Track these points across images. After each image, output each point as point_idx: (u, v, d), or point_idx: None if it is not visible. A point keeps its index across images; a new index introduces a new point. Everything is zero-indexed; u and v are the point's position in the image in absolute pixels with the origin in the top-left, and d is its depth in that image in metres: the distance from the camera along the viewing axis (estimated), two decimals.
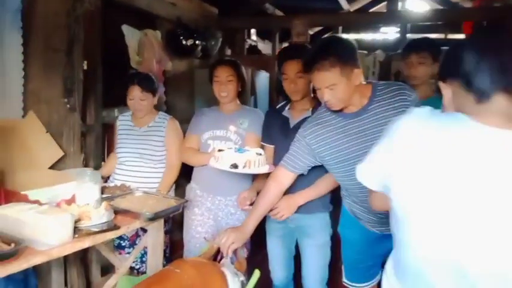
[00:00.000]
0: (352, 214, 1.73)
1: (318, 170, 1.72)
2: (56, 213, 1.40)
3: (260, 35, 4.79)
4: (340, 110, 1.51)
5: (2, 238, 1.26)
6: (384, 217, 1.60)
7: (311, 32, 4.30)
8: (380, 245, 1.70)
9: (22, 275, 2.05)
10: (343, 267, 1.83)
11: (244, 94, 2.19)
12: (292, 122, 1.85)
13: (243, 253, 1.83)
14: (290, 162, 1.66)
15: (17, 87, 1.94)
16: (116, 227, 1.53)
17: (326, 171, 1.73)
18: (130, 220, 1.62)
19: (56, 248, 1.32)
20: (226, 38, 3.87)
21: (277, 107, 1.97)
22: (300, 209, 1.80)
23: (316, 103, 1.84)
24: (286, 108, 1.91)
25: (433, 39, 1.82)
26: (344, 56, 1.39)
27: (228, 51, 4.01)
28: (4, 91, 1.89)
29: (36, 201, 1.57)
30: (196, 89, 3.57)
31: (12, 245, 1.22)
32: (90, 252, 2.40)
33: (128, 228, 1.61)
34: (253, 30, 4.58)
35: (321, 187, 1.80)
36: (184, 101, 3.48)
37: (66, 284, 2.19)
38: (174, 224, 2.66)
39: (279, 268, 1.99)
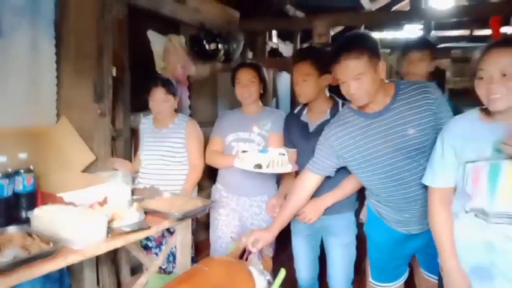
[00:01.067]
0: (377, 214, 1.72)
1: (344, 171, 1.73)
2: (91, 214, 1.46)
3: (281, 36, 4.80)
4: (363, 109, 1.51)
5: (40, 238, 1.33)
6: (410, 217, 1.60)
7: (333, 33, 4.28)
8: (406, 245, 1.69)
9: (58, 274, 2.15)
10: (368, 267, 1.82)
11: (266, 96, 2.22)
12: (312, 127, 1.87)
13: (269, 252, 1.85)
14: (315, 165, 1.68)
15: (50, 93, 2.04)
16: (147, 227, 1.58)
17: (350, 172, 1.73)
18: (160, 220, 1.66)
19: (90, 248, 1.38)
20: (248, 41, 3.91)
21: (295, 111, 1.98)
22: (326, 210, 1.82)
23: (333, 104, 1.85)
24: (304, 112, 1.93)
25: (432, 38, 1.91)
26: (370, 46, 1.41)
27: (250, 54, 4.05)
28: (39, 98, 1.99)
29: (71, 203, 1.65)
30: (219, 93, 3.62)
31: (51, 244, 1.29)
32: (120, 252, 2.47)
33: (158, 228, 1.66)
34: (274, 32, 4.60)
35: (347, 188, 1.80)
36: (207, 104, 3.54)
37: (98, 283, 2.26)
38: (198, 225, 2.72)
39: (304, 268, 2.00)
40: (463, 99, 1.62)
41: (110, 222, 1.51)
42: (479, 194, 1.26)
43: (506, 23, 3.54)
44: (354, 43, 1.41)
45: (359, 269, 2.04)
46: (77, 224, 1.38)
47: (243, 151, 1.78)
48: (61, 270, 2.17)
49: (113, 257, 2.39)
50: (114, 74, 2.26)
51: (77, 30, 2.13)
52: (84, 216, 1.43)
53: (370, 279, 1.80)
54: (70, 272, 2.21)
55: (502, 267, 1.23)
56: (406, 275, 1.78)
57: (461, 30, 4.87)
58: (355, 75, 1.40)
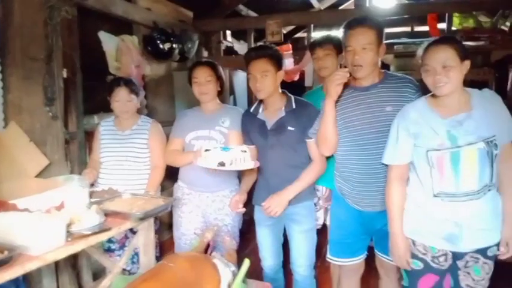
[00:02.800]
0: (340, 193, 1.87)
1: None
2: (47, 219, 1.43)
3: (235, 36, 4.85)
4: (354, 84, 1.76)
5: None
6: (367, 194, 1.76)
7: (284, 31, 4.39)
8: (363, 224, 1.83)
9: (14, 285, 2.06)
10: (328, 247, 1.93)
11: (224, 94, 2.26)
12: (269, 125, 1.94)
13: (233, 245, 1.90)
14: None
15: None
16: (107, 228, 1.57)
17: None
18: (121, 221, 1.64)
19: (50, 253, 1.35)
20: (203, 40, 3.92)
21: (251, 110, 2.03)
22: (292, 200, 1.91)
23: (287, 100, 1.94)
24: (260, 110, 1.99)
25: (334, 36, 2.14)
26: (379, 27, 1.68)
27: (205, 53, 4.06)
28: None
29: (25, 209, 1.59)
30: (176, 92, 3.61)
31: (6, 252, 1.25)
32: (81, 257, 2.41)
33: (119, 228, 1.64)
34: (228, 32, 4.64)
35: (306, 179, 1.91)
36: (164, 103, 3.51)
37: None
38: (162, 225, 2.70)
39: (269, 256, 2.08)
40: None
41: (68, 226, 1.49)
42: (445, 179, 1.48)
43: (442, 20, 3.83)
44: (368, 19, 1.71)
45: (320, 254, 2.14)
46: (33, 229, 1.34)
47: (206, 150, 1.82)
48: (17, 282, 2.08)
49: (73, 262, 2.33)
50: (65, 75, 2.20)
51: (23, 32, 2.04)
52: (40, 221, 1.40)
53: (328, 255, 1.92)
54: (27, 282, 2.13)
55: (467, 233, 1.50)
56: (362, 256, 1.90)
57: (403, 27, 5.17)
58: (364, 43, 1.63)
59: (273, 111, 1.94)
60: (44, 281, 2.09)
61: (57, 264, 2.19)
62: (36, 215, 1.47)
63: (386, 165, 1.67)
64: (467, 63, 1.47)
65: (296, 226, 1.97)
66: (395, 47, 3.57)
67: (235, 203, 2.00)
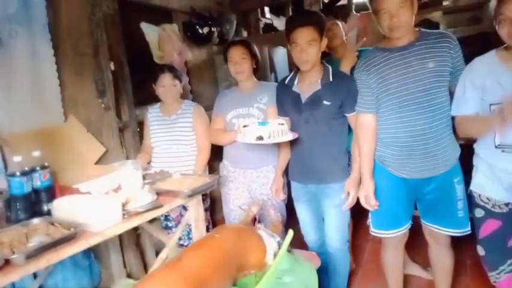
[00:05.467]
0: (380, 164, 1.81)
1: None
2: (106, 199, 1.57)
3: (274, 11, 4.78)
4: (389, 45, 1.69)
5: (62, 225, 1.44)
6: (412, 159, 1.70)
7: (326, 0, 4.24)
8: (408, 192, 1.77)
9: (87, 262, 2.30)
10: (369, 221, 1.89)
11: (260, 71, 2.26)
12: (304, 98, 1.89)
13: (278, 217, 1.94)
14: (365, 105, 1.78)
15: (55, 94, 2.14)
16: (159, 205, 1.68)
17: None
18: (172, 199, 1.76)
19: (109, 229, 1.49)
20: (241, 20, 3.92)
21: (286, 81, 1.98)
22: (323, 178, 1.91)
23: (324, 72, 1.87)
24: (295, 82, 1.93)
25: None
26: None
27: (245, 33, 4.06)
28: (45, 100, 2.10)
29: (87, 193, 1.76)
30: (218, 75, 3.68)
31: (72, 229, 1.40)
32: (143, 236, 2.61)
33: (170, 205, 1.76)
34: (267, 9, 4.58)
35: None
36: (208, 87, 3.60)
37: (125, 266, 2.41)
38: (215, 204, 2.82)
39: (310, 230, 2.09)
40: (460, 48, 1.69)
41: (124, 204, 1.62)
42: (506, 132, 1.46)
43: None
44: None
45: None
46: (93, 208, 1.49)
47: (244, 126, 1.86)
48: (89, 258, 2.33)
49: (136, 241, 2.53)
50: (112, 68, 2.34)
51: (71, 30, 2.20)
52: (99, 201, 1.55)
53: (371, 229, 1.88)
54: (98, 259, 2.37)
55: None
56: (408, 225, 1.85)
57: None
58: (400, 3, 1.55)
59: (309, 83, 1.89)
60: (112, 258, 2.31)
61: (122, 243, 2.39)
62: (96, 197, 1.63)
63: (434, 127, 1.63)
64: None
65: (328, 201, 1.95)
66: (443, 2, 3.30)
67: (276, 192, 2.05)
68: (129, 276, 2.41)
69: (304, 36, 1.76)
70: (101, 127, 2.29)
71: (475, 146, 1.68)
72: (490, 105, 1.51)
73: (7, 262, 1.19)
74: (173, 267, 1.24)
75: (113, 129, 2.34)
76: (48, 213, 1.56)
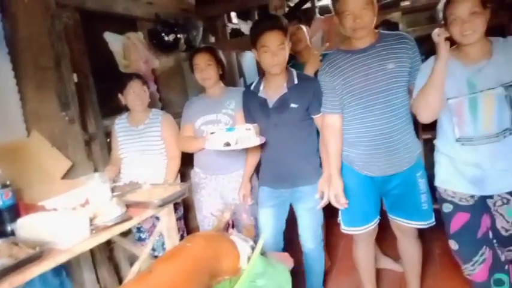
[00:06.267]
0: (347, 163, 1.86)
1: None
2: (72, 214, 1.54)
3: (240, 16, 4.81)
4: (350, 47, 1.74)
5: (27, 245, 1.39)
6: (376, 156, 1.75)
7: (291, 4, 4.30)
8: (374, 189, 1.84)
9: (58, 281, 2.22)
10: (340, 219, 1.94)
11: (228, 76, 2.29)
12: (271, 102, 1.92)
13: (251, 221, 1.95)
14: (330, 106, 1.81)
15: (16, 109, 2.08)
16: (128, 218, 1.66)
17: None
18: (142, 210, 1.74)
19: (77, 245, 1.46)
20: (208, 26, 3.92)
21: (252, 87, 2.00)
22: (296, 182, 1.93)
23: (289, 76, 1.90)
24: (261, 88, 1.96)
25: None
26: None
27: (212, 39, 4.07)
28: (5, 115, 2.03)
29: (53, 209, 1.71)
30: (188, 81, 3.65)
31: (37, 248, 1.36)
32: (117, 250, 2.56)
33: (140, 217, 1.74)
34: (233, 14, 4.61)
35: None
36: (177, 95, 3.57)
37: (98, 282, 2.35)
38: (189, 212, 2.80)
39: (269, 237, 1.97)
40: (419, 47, 1.76)
41: (92, 219, 1.59)
42: (465, 124, 1.55)
43: None
44: None
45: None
46: (59, 225, 1.45)
47: (211, 132, 1.86)
48: (60, 277, 2.25)
49: (109, 255, 2.48)
50: (75, 80, 2.29)
51: (30, 43, 2.14)
52: (65, 217, 1.51)
53: (342, 227, 1.93)
54: (70, 276, 2.30)
55: (491, 174, 1.59)
56: (376, 220, 1.90)
57: None
58: (363, 4, 1.60)
59: (275, 87, 1.91)
60: (84, 275, 2.25)
61: (94, 258, 2.34)
62: (62, 213, 1.59)
63: (396, 126, 1.70)
64: (488, 10, 1.48)
65: (301, 204, 1.98)
66: (402, 3, 3.42)
67: (244, 197, 2.06)
68: None
69: (275, 39, 1.79)
70: (66, 140, 2.24)
71: (435, 141, 1.75)
72: (448, 99, 1.59)
73: None
74: (143, 280, 1.23)
75: (79, 142, 2.29)
76: (12, 233, 1.52)
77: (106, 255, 2.42)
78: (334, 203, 1.85)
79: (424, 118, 1.63)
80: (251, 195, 2.08)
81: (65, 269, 2.26)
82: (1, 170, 1.66)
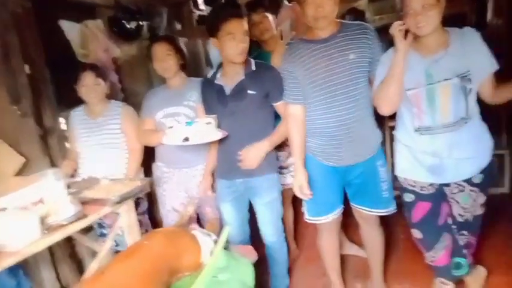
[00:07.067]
0: (311, 154, 1.85)
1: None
2: (20, 214, 1.46)
3: (208, 2, 4.69)
4: (311, 37, 1.72)
5: None
6: (338, 147, 1.76)
7: None
8: (337, 178, 1.85)
9: (14, 281, 2.13)
10: (304, 209, 1.95)
11: (192, 66, 2.22)
12: (228, 89, 1.88)
13: (215, 214, 1.93)
14: (292, 96, 1.79)
15: None
16: (84, 216, 1.60)
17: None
18: (99, 208, 1.68)
19: (27, 247, 1.39)
20: (173, 13, 3.79)
21: (210, 76, 1.97)
22: (250, 172, 1.89)
23: (247, 64, 1.87)
24: (218, 75, 1.92)
25: None
26: None
27: (178, 26, 3.94)
28: None
29: (3, 209, 1.62)
30: (152, 71, 3.52)
31: None
32: (80, 247, 2.48)
33: (98, 214, 1.68)
34: (200, 0, 4.48)
35: (281, 131, 1.88)
36: (142, 84, 3.45)
37: (60, 281, 2.28)
38: (154, 205, 2.74)
39: (234, 231, 1.98)
40: (384, 35, 1.75)
41: (45, 219, 1.52)
42: (423, 114, 1.58)
43: None
44: None
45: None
46: (7, 226, 1.38)
47: (170, 127, 1.81)
48: (17, 277, 2.16)
49: (71, 252, 2.40)
50: (28, 71, 2.16)
51: None
52: (14, 217, 1.43)
53: (306, 217, 1.94)
54: (28, 276, 2.21)
55: (448, 163, 1.63)
56: (340, 209, 1.92)
57: None
58: None
59: (233, 75, 1.87)
60: (43, 274, 2.17)
61: (53, 256, 2.25)
62: (10, 213, 1.51)
63: (358, 116, 1.70)
64: (443, 1, 1.49)
65: (258, 199, 1.96)
66: None
67: (203, 191, 2.03)
68: None
69: (242, 27, 1.77)
70: (19, 135, 2.12)
71: (395, 132, 1.78)
72: (407, 90, 1.60)
73: None
74: (95, 281, 1.18)
75: (32, 137, 2.18)
76: None
77: (67, 252, 2.34)
78: (299, 194, 1.85)
79: (385, 110, 1.64)
80: (212, 188, 2.04)
81: (22, 268, 2.17)
82: None
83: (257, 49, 2.39)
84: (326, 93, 1.70)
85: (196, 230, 1.65)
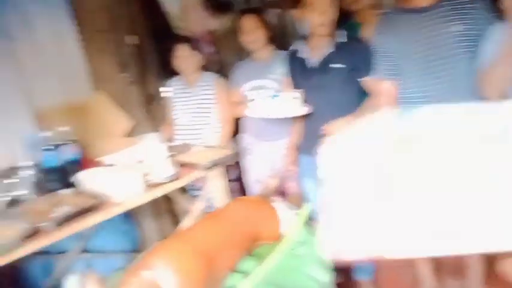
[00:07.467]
0: None
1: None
2: (127, 171, 1.66)
3: None
4: (409, 4, 1.54)
5: (87, 196, 1.54)
6: None
7: None
8: None
9: (126, 227, 2.46)
10: None
11: (282, 39, 2.19)
12: (313, 62, 1.81)
13: (297, 189, 1.94)
14: (382, 72, 1.68)
15: (81, 71, 2.23)
16: (178, 178, 1.75)
17: None
18: (192, 171, 1.82)
19: (130, 200, 1.58)
20: None
21: (295, 48, 1.90)
22: None
23: (336, 36, 1.77)
24: (304, 48, 1.85)
25: None
26: None
27: None
28: (72, 76, 2.19)
29: (112, 165, 1.86)
30: None
31: (95, 200, 1.50)
32: (178, 204, 2.72)
33: (190, 177, 1.82)
34: None
35: (367, 109, 1.77)
36: (237, 56, 3.54)
37: (161, 232, 2.55)
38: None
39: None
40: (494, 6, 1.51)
41: (146, 176, 1.70)
42: None
43: None
44: None
45: None
46: (115, 180, 1.58)
47: (253, 100, 1.83)
48: (128, 224, 2.48)
49: (169, 208, 2.65)
50: (134, 42, 2.36)
51: (89, 6, 2.22)
52: (121, 173, 1.63)
53: None
54: (136, 224, 2.52)
55: None
56: None
57: None
58: None
59: (319, 48, 1.79)
60: (147, 224, 2.47)
61: (157, 210, 2.52)
62: (118, 169, 1.72)
63: (456, 99, 1.48)
64: None
65: None
66: None
67: (286, 165, 2.02)
68: None
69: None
70: (127, 101, 2.37)
71: None
72: None
73: (38, 229, 1.30)
74: (183, 235, 1.30)
75: (139, 103, 2.41)
76: (75, 184, 1.68)
77: (166, 208, 2.59)
78: None
79: (490, 95, 1.42)
80: (296, 163, 2.04)
81: (131, 217, 2.49)
82: (69, 127, 1.82)
83: (347, 20, 2.26)
84: (423, 69, 1.53)
85: (277, 202, 1.69)
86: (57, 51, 2.11)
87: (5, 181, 1.65)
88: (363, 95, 1.85)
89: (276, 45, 2.18)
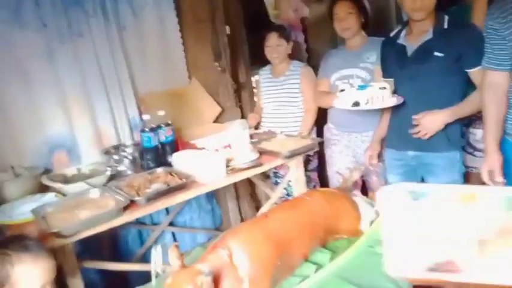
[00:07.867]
0: (509, 138, 1.50)
1: None
2: (212, 156, 1.77)
3: None
4: None
5: (178, 176, 1.69)
6: None
7: None
8: None
9: (210, 206, 2.64)
10: None
11: (380, 24, 2.07)
12: (410, 49, 1.66)
13: (380, 185, 1.85)
14: (493, 61, 1.48)
15: (180, 59, 2.40)
16: (259, 164, 1.80)
17: None
18: (273, 159, 1.86)
19: (214, 181, 1.68)
20: None
21: (392, 34, 1.78)
22: (423, 145, 1.67)
23: (437, 20, 1.60)
24: (402, 34, 1.71)
25: None
26: None
27: None
28: (172, 64, 2.37)
29: (202, 148, 2.00)
30: None
31: (184, 180, 1.63)
32: (259, 189, 2.82)
33: (270, 165, 1.87)
34: None
35: (473, 103, 1.58)
36: (326, 45, 3.45)
37: (240, 213, 2.68)
38: (325, 165, 2.82)
39: None
40: None
41: (230, 161, 1.79)
42: None
43: None
44: None
45: None
46: (201, 163, 1.69)
47: (341, 90, 1.78)
48: (212, 203, 2.66)
49: (251, 192, 2.76)
50: (228, 32, 2.47)
51: None
52: (207, 157, 1.75)
53: None
54: (219, 204, 2.69)
55: None
56: None
57: None
58: None
59: (418, 33, 1.65)
60: (229, 205, 2.60)
61: (238, 193, 2.65)
62: (205, 153, 1.84)
63: None
64: None
65: (433, 179, 1.71)
66: None
67: (368, 159, 1.92)
68: (242, 221, 2.68)
69: None
70: (218, 88, 2.50)
71: None
72: None
73: (133, 202, 1.48)
74: (259, 223, 1.34)
75: (229, 90, 2.53)
76: (171, 164, 1.85)
77: (248, 192, 2.71)
78: (487, 181, 1.54)
79: None
80: (380, 157, 1.94)
81: (215, 198, 2.66)
82: (165, 112, 2.00)
83: (454, 3, 2.02)
84: None
85: (358, 196, 1.64)
86: (161, 41, 2.29)
87: (114, 156, 1.90)
88: (465, 88, 1.67)
89: (375, 31, 2.06)
